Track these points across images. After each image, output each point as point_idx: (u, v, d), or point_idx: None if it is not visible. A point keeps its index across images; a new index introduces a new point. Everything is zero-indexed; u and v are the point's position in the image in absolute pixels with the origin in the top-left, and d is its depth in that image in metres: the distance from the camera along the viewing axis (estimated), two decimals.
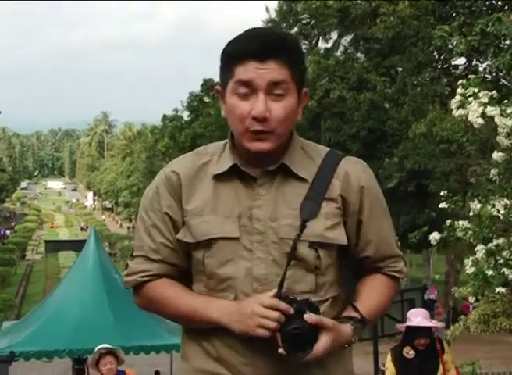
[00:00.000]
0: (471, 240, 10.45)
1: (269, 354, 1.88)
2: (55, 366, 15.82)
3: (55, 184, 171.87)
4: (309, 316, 1.82)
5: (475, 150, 16.96)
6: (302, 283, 1.92)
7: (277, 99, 1.89)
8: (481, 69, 23.50)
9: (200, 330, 1.97)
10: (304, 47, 26.48)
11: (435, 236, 10.91)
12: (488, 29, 17.84)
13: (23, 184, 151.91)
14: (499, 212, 9.73)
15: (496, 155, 10.11)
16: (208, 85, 50.81)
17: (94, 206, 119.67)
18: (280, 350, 1.82)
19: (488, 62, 22.17)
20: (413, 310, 6.84)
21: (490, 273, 10.04)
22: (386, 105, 26.45)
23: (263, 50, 1.87)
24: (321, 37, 28.82)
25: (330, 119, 26.33)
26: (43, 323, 11.36)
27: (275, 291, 1.86)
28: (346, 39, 28.55)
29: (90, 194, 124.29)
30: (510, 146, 9.94)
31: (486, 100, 9.74)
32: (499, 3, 23.38)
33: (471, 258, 10.50)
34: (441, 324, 7.46)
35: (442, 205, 11.01)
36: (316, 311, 1.86)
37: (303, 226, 1.91)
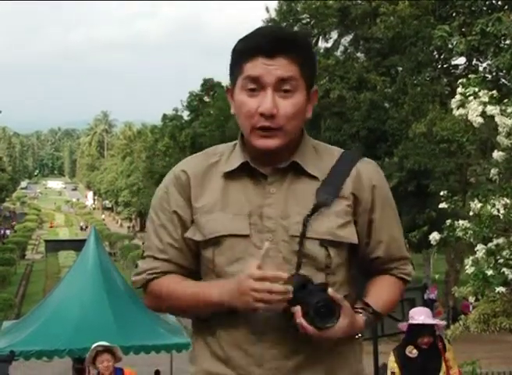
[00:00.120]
0: (471, 239, 10.45)
1: (277, 354, 1.88)
2: (55, 366, 15.82)
3: (55, 184, 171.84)
4: (333, 292, 1.81)
5: (475, 150, 16.97)
6: None
7: (285, 96, 1.89)
8: (481, 68, 23.51)
9: (208, 331, 1.96)
10: None
11: (435, 236, 10.91)
12: (488, 29, 17.86)
13: (23, 184, 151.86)
14: (499, 211, 9.73)
15: (497, 155, 10.11)
16: (207, 85, 50.84)
17: (94, 206, 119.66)
18: (299, 320, 1.80)
19: (489, 62, 22.17)
20: (415, 309, 6.81)
21: (490, 272, 10.04)
22: (386, 105, 26.44)
23: (271, 46, 1.87)
24: (321, 37, 28.80)
25: (330, 119, 26.32)
26: (43, 322, 11.36)
27: (293, 272, 1.85)
28: (346, 39, 28.55)
29: (90, 194, 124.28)
30: (510, 146, 9.94)
31: (486, 99, 9.74)
32: (499, 3, 23.37)
33: (471, 257, 10.50)
34: (443, 322, 7.47)
35: (442, 204, 11.01)
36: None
37: (309, 216, 1.90)
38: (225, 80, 49.42)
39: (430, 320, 6.53)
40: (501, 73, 21.73)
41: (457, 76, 21.66)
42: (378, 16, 25.71)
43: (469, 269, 10.35)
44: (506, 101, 10.11)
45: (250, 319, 1.89)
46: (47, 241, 62.26)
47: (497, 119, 9.64)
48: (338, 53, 28.43)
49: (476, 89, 9.98)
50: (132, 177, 74.56)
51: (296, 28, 28.38)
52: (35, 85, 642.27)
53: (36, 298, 29.44)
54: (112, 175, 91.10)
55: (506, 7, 21.98)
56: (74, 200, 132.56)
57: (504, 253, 10.12)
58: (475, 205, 10.10)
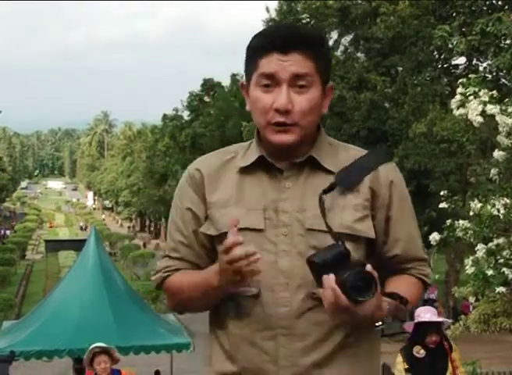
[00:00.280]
0: (471, 239, 10.46)
1: (293, 351, 1.87)
2: (55, 366, 15.82)
3: (55, 184, 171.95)
4: (371, 268, 1.75)
5: (475, 149, 16.97)
6: None
7: (300, 91, 1.88)
8: (481, 68, 23.50)
9: (223, 328, 1.96)
10: None
11: (435, 236, 10.91)
12: (488, 28, 17.85)
13: (23, 184, 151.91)
14: (499, 211, 9.73)
15: (497, 154, 10.11)
16: (207, 85, 50.81)
17: (94, 206, 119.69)
18: (332, 286, 1.72)
19: (489, 62, 22.17)
20: (421, 308, 6.74)
21: (490, 272, 10.04)
22: (386, 105, 26.43)
23: (286, 42, 1.87)
24: None
25: (330, 119, 26.31)
26: (43, 322, 11.36)
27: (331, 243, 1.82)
28: (347, 39, 28.53)
29: (90, 194, 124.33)
30: (510, 145, 9.94)
31: (486, 99, 9.74)
32: (499, 3, 23.37)
33: (471, 257, 10.50)
34: (450, 320, 7.44)
35: (443, 204, 11.02)
36: None
37: (325, 193, 1.87)
38: (225, 80, 49.45)
39: (437, 318, 6.50)
40: (501, 73, 21.72)
41: (457, 76, 21.65)
42: (379, 16, 25.70)
43: (469, 269, 10.35)
44: (506, 100, 10.11)
45: (264, 315, 1.88)
46: (47, 241, 62.27)
47: (497, 118, 9.64)
48: (338, 53, 28.40)
49: (476, 89, 9.99)
50: (132, 177, 74.57)
51: None
52: (35, 85, 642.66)
53: (36, 298, 29.44)
54: (112, 175, 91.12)
55: (506, 7, 21.97)
56: (74, 200, 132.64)
57: (504, 253, 10.12)
58: (475, 205, 10.10)
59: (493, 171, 10.59)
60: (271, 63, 1.87)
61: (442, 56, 25.97)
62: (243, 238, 1.77)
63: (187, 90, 53.13)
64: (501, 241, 10.25)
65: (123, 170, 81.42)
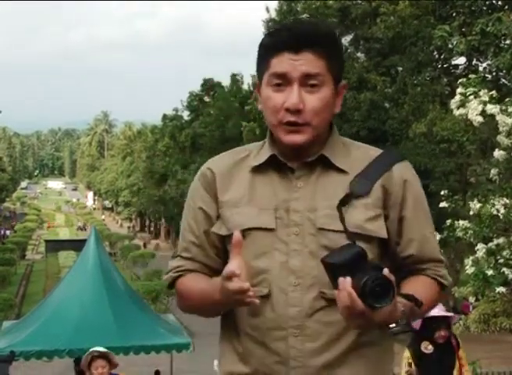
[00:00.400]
0: (471, 239, 10.47)
1: (303, 352, 1.85)
2: (55, 366, 15.82)
3: (55, 184, 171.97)
4: (388, 272, 1.70)
5: (475, 149, 16.97)
6: None
7: (312, 91, 1.86)
8: (481, 68, 23.53)
9: (233, 329, 1.94)
10: None
11: None
12: (488, 29, 17.87)
13: (23, 184, 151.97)
14: (498, 211, 9.74)
15: (497, 154, 10.12)
16: (207, 85, 50.83)
17: (94, 206, 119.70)
18: (349, 290, 1.68)
19: (489, 62, 22.19)
20: None
21: (490, 272, 10.05)
22: (386, 105, 26.45)
23: (297, 41, 1.85)
24: None
25: None
26: (43, 322, 11.34)
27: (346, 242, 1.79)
28: (347, 39, 28.53)
29: (90, 194, 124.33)
30: (510, 145, 9.95)
31: (486, 99, 9.75)
32: (499, 3, 23.38)
33: (471, 257, 10.51)
34: (457, 315, 7.43)
35: (443, 204, 11.02)
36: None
37: (342, 205, 1.84)
38: (225, 80, 49.44)
39: (446, 313, 6.49)
40: (501, 73, 21.75)
41: (457, 76, 21.67)
42: (378, 16, 25.72)
43: (469, 269, 10.36)
44: (506, 100, 10.12)
45: (275, 315, 1.86)
46: (47, 241, 62.22)
47: (498, 117, 9.66)
48: None
49: (476, 89, 10.00)
50: (132, 177, 74.57)
51: None
52: (35, 85, 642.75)
53: (36, 298, 29.43)
54: (112, 175, 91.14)
55: (506, 7, 21.99)
56: (74, 200, 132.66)
57: (504, 253, 10.13)
58: (475, 205, 10.11)
59: (493, 171, 10.61)
60: (282, 63, 1.86)
61: (442, 56, 25.98)
62: (244, 266, 1.75)
63: (187, 90, 53.26)
64: (501, 240, 10.26)
65: (123, 170, 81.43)
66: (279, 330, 1.86)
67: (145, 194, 62.69)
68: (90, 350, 7.24)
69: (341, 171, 1.92)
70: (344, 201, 1.86)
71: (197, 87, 51.83)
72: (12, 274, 41.68)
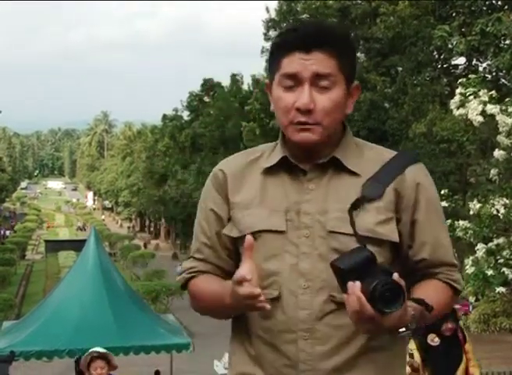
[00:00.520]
0: (471, 239, 10.47)
1: (313, 355, 1.84)
2: (55, 366, 15.81)
3: (55, 184, 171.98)
4: (398, 277, 1.67)
5: (475, 149, 16.97)
6: None
7: (323, 91, 1.84)
8: (481, 68, 23.53)
9: (244, 331, 1.94)
10: None
11: None
12: (488, 29, 17.87)
13: (23, 184, 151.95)
14: (498, 211, 9.75)
15: (497, 154, 10.12)
16: (207, 85, 50.83)
17: (94, 206, 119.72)
18: (358, 294, 1.66)
19: (488, 62, 22.19)
20: None
21: (490, 272, 10.06)
22: (386, 105, 26.46)
23: (308, 40, 1.83)
24: None
25: None
26: (43, 322, 11.34)
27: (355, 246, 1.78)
28: None
29: (90, 194, 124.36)
30: (510, 145, 9.95)
31: (486, 99, 9.76)
32: (499, 3, 23.37)
33: (471, 257, 10.52)
34: (465, 308, 7.37)
35: (443, 204, 11.01)
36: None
37: (353, 209, 1.83)
38: (225, 80, 49.44)
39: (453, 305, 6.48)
40: (501, 73, 21.74)
41: (457, 76, 21.67)
42: (378, 16, 25.73)
43: (469, 269, 10.36)
44: (506, 100, 10.13)
45: (285, 318, 1.85)
46: (47, 242, 62.23)
47: (498, 117, 9.66)
48: None
49: (476, 89, 10.00)
50: (132, 177, 74.57)
51: None
52: (35, 85, 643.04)
53: (36, 298, 29.43)
54: (112, 175, 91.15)
55: (506, 7, 21.98)
56: (74, 200, 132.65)
57: (504, 253, 10.14)
58: (474, 205, 10.11)
59: (493, 171, 10.62)
60: (293, 63, 1.84)
61: (441, 56, 25.99)
62: (253, 274, 1.74)
63: (187, 90, 53.26)
64: (501, 240, 10.27)
65: (123, 170, 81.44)
66: (289, 332, 1.85)
67: (145, 194, 62.69)
68: (90, 350, 7.22)
69: (353, 173, 1.90)
70: (356, 205, 1.84)
71: (196, 88, 51.89)
72: (12, 274, 41.67)
